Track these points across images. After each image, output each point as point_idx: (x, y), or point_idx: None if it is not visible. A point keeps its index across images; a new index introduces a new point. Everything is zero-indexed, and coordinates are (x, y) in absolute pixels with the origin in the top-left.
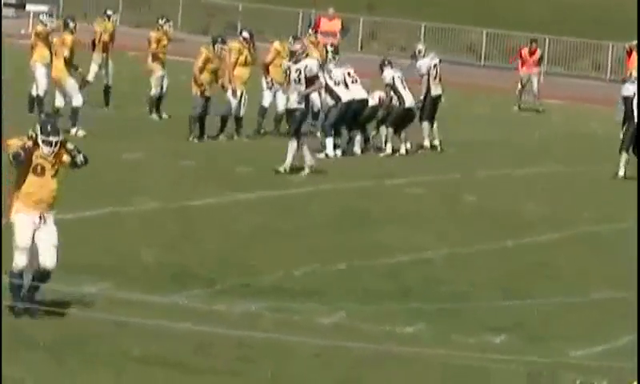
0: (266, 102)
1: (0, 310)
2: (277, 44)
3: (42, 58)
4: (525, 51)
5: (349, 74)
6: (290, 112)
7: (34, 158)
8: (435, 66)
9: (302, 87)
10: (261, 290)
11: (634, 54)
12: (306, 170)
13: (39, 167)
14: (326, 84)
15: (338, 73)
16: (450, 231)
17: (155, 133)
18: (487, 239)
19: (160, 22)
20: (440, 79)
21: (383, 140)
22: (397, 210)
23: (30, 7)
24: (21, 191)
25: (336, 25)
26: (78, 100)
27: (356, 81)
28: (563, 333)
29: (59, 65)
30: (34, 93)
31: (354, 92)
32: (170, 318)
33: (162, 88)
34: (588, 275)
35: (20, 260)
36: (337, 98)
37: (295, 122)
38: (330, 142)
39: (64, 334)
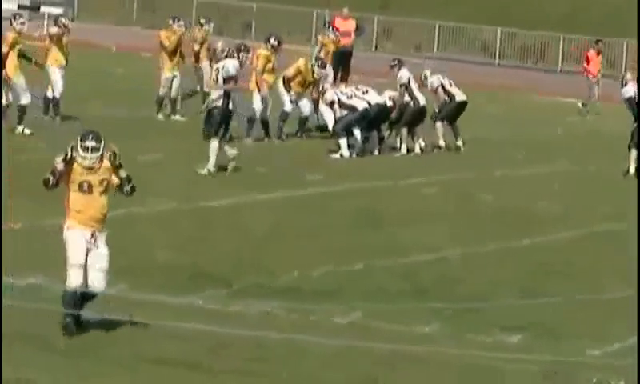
0: (288, 107)
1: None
2: (301, 64)
3: (56, 61)
4: (592, 53)
5: (357, 87)
6: (210, 111)
7: (76, 175)
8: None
9: (221, 86)
10: (277, 291)
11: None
12: (232, 164)
13: (85, 184)
14: (339, 100)
15: (347, 90)
16: (465, 230)
17: (170, 134)
18: (502, 238)
19: (170, 21)
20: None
21: (399, 140)
22: (412, 209)
23: (44, 9)
24: (70, 208)
25: (351, 24)
26: (27, 98)
27: (367, 91)
28: (579, 331)
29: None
30: (49, 95)
31: (369, 97)
32: (185, 319)
33: (170, 89)
34: (603, 273)
35: (75, 278)
36: (352, 109)
37: (215, 122)
38: (343, 142)
39: (79, 336)
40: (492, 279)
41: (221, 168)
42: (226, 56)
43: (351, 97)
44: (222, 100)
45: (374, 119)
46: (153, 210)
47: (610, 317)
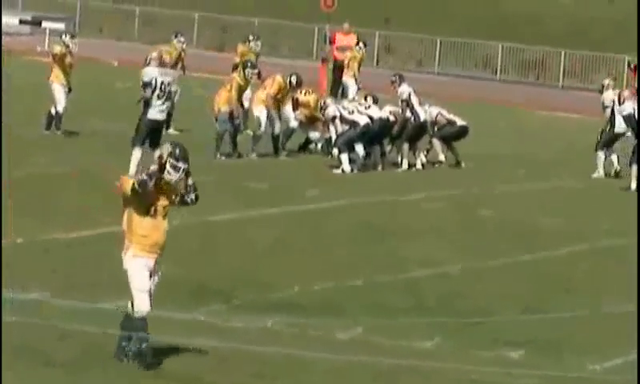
0: (293, 123)
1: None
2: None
3: (57, 78)
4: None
5: (360, 102)
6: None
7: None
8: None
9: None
10: (278, 306)
11: None
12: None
13: (153, 208)
14: (341, 115)
15: (349, 105)
16: (467, 245)
17: None
18: (504, 254)
19: (174, 38)
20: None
21: (400, 155)
22: (414, 224)
23: (45, 24)
24: (133, 233)
25: (352, 39)
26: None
27: (369, 107)
28: (580, 347)
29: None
30: (52, 111)
31: (371, 112)
32: (187, 334)
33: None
34: (605, 289)
35: (144, 304)
36: (354, 125)
37: (142, 132)
38: (345, 158)
39: (82, 351)
40: (494, 294)
41: (221, 183)
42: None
43: (353, 112)
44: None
45: (376, 134)
46: None
47: (611, 332)
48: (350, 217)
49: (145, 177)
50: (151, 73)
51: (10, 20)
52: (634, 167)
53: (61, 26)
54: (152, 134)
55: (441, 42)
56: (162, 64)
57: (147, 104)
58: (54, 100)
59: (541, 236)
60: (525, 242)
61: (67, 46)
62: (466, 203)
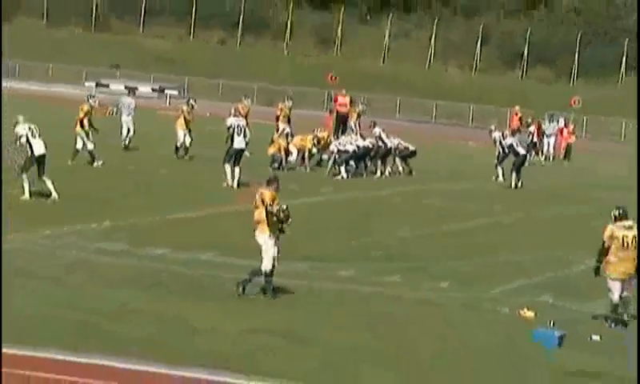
0: (314, 150)
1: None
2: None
3: (181, 125)
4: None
5: (351, 138)
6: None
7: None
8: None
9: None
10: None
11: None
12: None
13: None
14: (338, 149)
15: (344, 139)
16: (415, 220)
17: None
18: (429, 224)
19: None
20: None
21: (375, 168)
22: (384, 208)
23: (167, 91)
24: (263, 222)
25: (347, 99)
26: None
27: (357, 140)
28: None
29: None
30: (178, 144)
31: (358, 143)
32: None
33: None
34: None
35: (269, 265)
36: (346, 152)
37: (229, 155)
38: (343, 169)
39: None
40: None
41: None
42: None
43: (345, 144)
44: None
45: (361, 155)
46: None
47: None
48: (347, 204)
49: (274, 209)
50: (231, 120)
51: (144, 88)
52: (514, 174)
53: (175, 92)
54: (236, 156)
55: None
56: (236, 114)
57: (232, 139)
58: (177, 138)
59: (461, 216)
60: (446, 218)
61: (192, 106)
62: (415, 195)
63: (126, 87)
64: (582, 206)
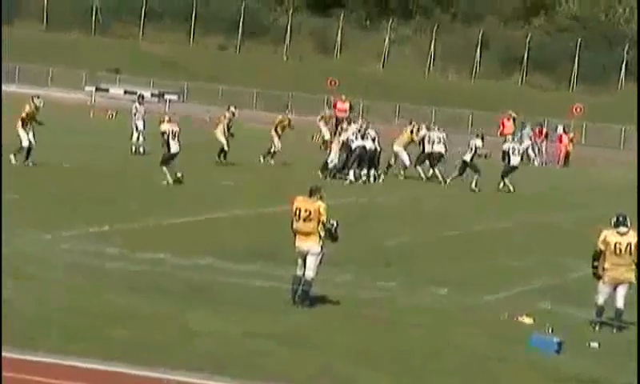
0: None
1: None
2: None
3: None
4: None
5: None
6: None
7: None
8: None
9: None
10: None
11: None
12: None
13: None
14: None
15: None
16: (408, 222)
17: None
18: (433, 228)
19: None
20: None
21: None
22: (383, 214)
23: (167, 96)
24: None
25: (346, 105)
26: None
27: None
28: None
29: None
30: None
31: (367, 144)
32: None
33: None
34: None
35: (299, 271)
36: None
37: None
38: (351, 173)
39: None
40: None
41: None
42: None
43: (356, 138)
44: None
45: (369, 159)
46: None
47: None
48: (345, 208)
49: (332, 228)
50: (165, 126)
51: (144, 93)
52: (504, 179)
53: (174, 97)
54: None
55: (399, 106)
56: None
57: (168, 144)
58: (221, 143)
59: (460, 221)
60: (444, 223)
61: (233, 114)
62: (414, 200)
63: (138, 95)
64: (580, 212)
